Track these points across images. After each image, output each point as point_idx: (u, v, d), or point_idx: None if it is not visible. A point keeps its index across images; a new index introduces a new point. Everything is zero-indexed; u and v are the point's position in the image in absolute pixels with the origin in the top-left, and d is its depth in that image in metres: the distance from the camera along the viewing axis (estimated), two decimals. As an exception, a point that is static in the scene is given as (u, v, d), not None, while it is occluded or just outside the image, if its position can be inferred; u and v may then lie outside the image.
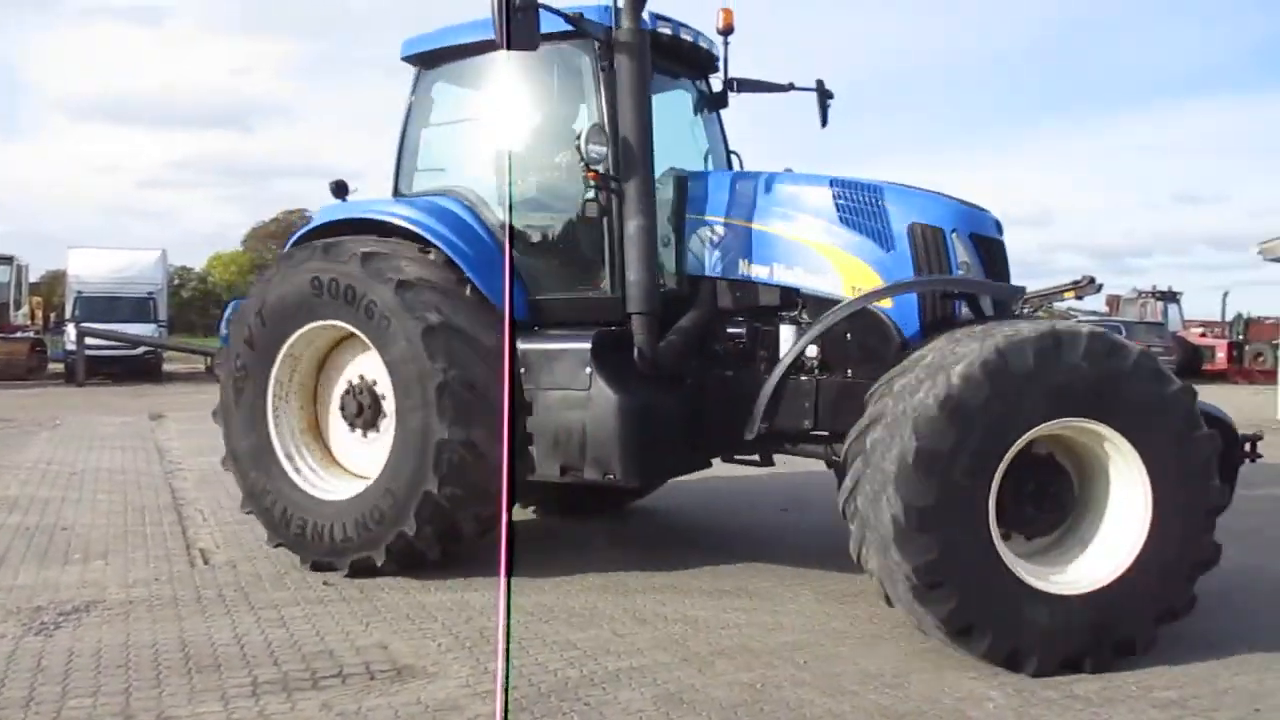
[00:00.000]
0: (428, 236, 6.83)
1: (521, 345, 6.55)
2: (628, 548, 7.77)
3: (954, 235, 6.36)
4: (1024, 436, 5.09)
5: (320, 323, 6.89)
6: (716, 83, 7.91)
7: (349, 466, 7.18)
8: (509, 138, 7.03)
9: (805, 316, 6.52)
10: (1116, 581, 5.19)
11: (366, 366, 6.97)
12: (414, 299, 6.42)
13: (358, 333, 6.73)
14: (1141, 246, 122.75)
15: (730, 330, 6.75)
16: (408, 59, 7.49)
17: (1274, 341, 33.46)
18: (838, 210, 6.50)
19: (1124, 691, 4.88)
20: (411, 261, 6.67)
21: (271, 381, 7.07)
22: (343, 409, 7.13)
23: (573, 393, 6.40)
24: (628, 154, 6.29)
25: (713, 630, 5.68)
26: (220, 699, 4.63)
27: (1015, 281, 6.70)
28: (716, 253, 6.76)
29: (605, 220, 6.57)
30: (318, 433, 7.32)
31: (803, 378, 6.33)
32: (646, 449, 6.36)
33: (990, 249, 6.62)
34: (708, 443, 6.83)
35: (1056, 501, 5.47)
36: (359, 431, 7.07)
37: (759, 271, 6.65)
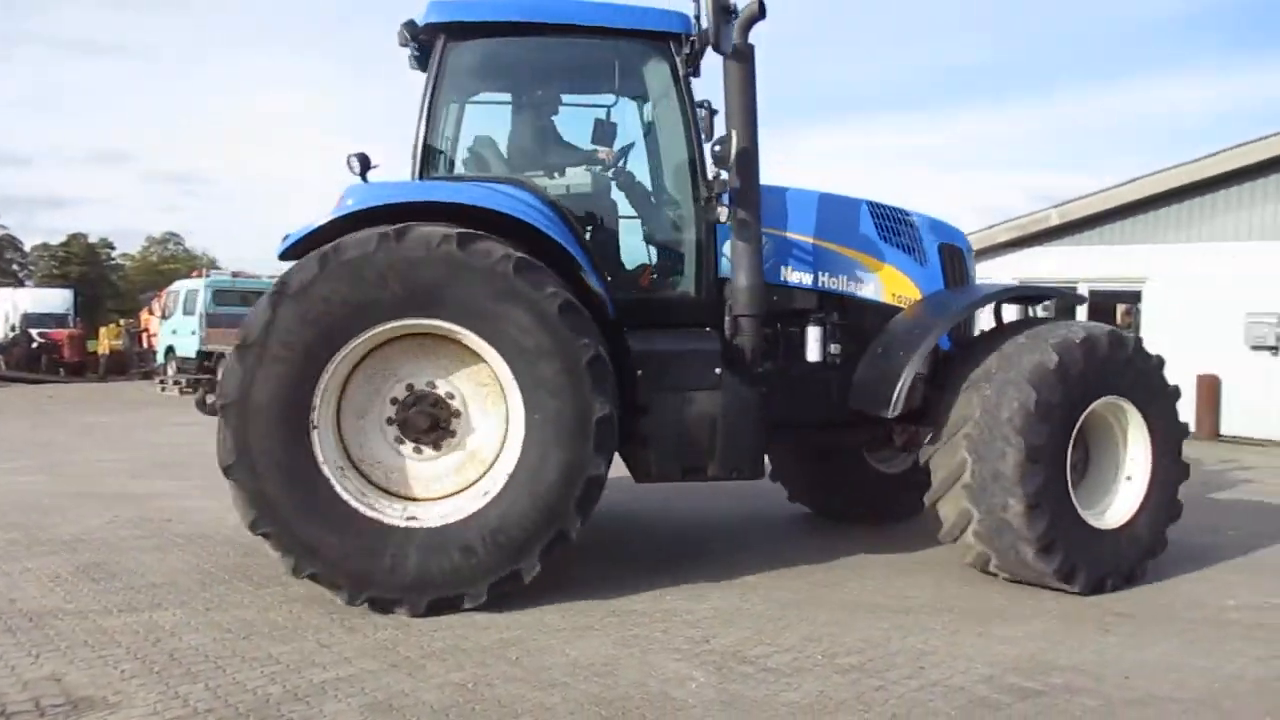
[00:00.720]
0: (546, 230, 6.15)
1: (635, 346, 6.41)
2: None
3: (968, 254, 7.97)
4: (1092, 404, 6.67)
5: (401, 322, 5.89)
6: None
7: (397, 488, 6.13)
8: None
9: (836, 318, 7.17)
10: (1128, 523, 6.85)
11: (416, 375, 6.13)
12: (538, 279, 5.87)
13: (462, 330, 5.89)
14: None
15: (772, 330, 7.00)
16: (436, 25, 6.59)
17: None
18: (878, 230, 7.50)
19: (812, 661, 5.26)
20: (507, 248, 5.91)
21: (319, 392, 5.82)
22: (402, 424, 6.11)
23: (701, 393, 6.49)
24: (740, 164, 6.44)
25: (424, 633, 5.59)
26: None
27: None
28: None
29: (695, 222, 6.80)
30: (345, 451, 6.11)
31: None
32: (766, 444, 6.83)
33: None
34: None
35: (1082, 458, 6.94)
36: (413, 448, 6.14)
37: (801, 278, 7.17)
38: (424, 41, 6.74)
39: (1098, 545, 6.64)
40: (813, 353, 7.06)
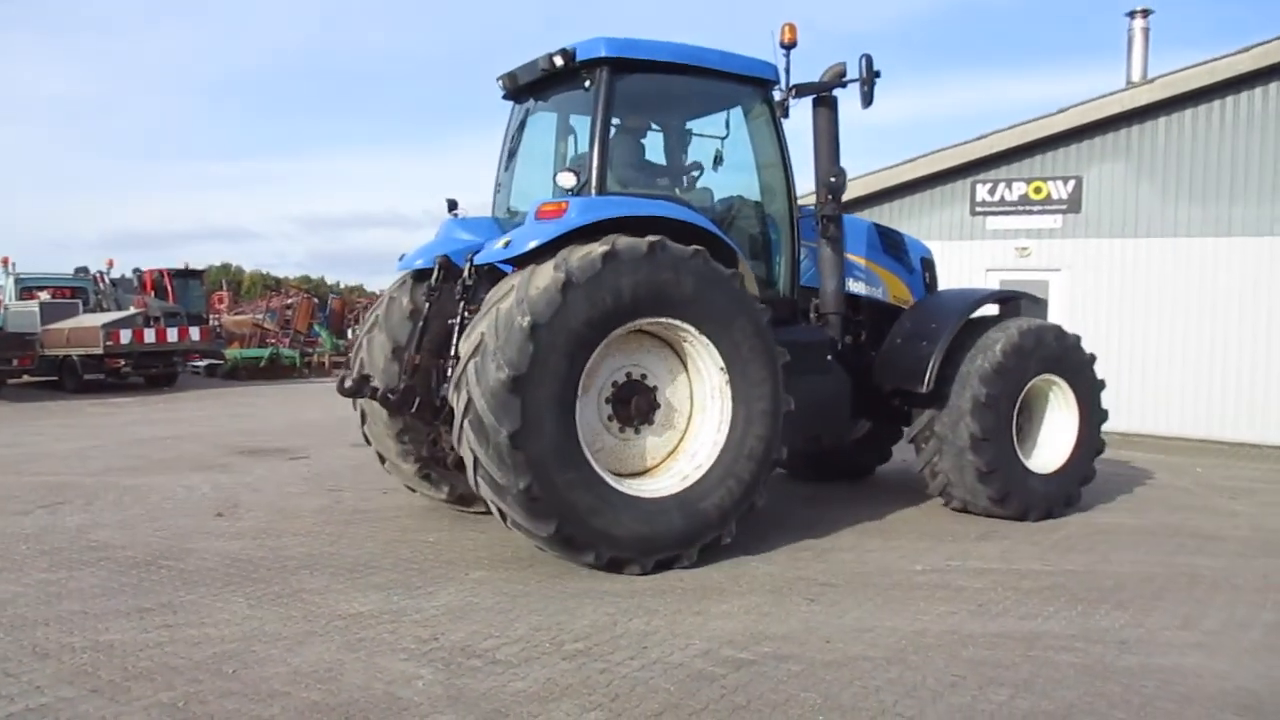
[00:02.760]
0: (733, 246, 7.50)
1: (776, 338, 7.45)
2: (24, 572, 6.83)
3: (934, 265, 10.31)
4: (1030, 383, 8.95)
5: (652, 319, 6.95)
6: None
7: (611, 464, 7.10)
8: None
9: (851, 315, 9.02)
10: (1063, 466, 9.20)
11: (627, 367, 7.20)
12: (749, 292, 7.34)
13: (687, 327, 7.02)
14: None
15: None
16: (607, 59, 7.43)
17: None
18: (881, 245, 9.66)
19: (540, 649, 5.37)
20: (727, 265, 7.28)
21: (583, 379, 6.74)
22: (617, 408, 7.17)
23: (820, 376, 8.24)
24: (830, 190, 8.67)
25: (129, 654, 5.23)
26: None
27: None
28: (804, 267, 8.65)
29: (787, 236, 8.31)
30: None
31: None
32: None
33: None
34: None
35: (1025, 422, 9.17)
36: (622, 430, 7.21)
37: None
38: (573, 70, 7.59)
39: (1031, 483, 8.87)
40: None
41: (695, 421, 7.35)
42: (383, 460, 8.64)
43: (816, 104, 8.74)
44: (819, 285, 8.83)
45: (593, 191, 7.38)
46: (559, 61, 7.62)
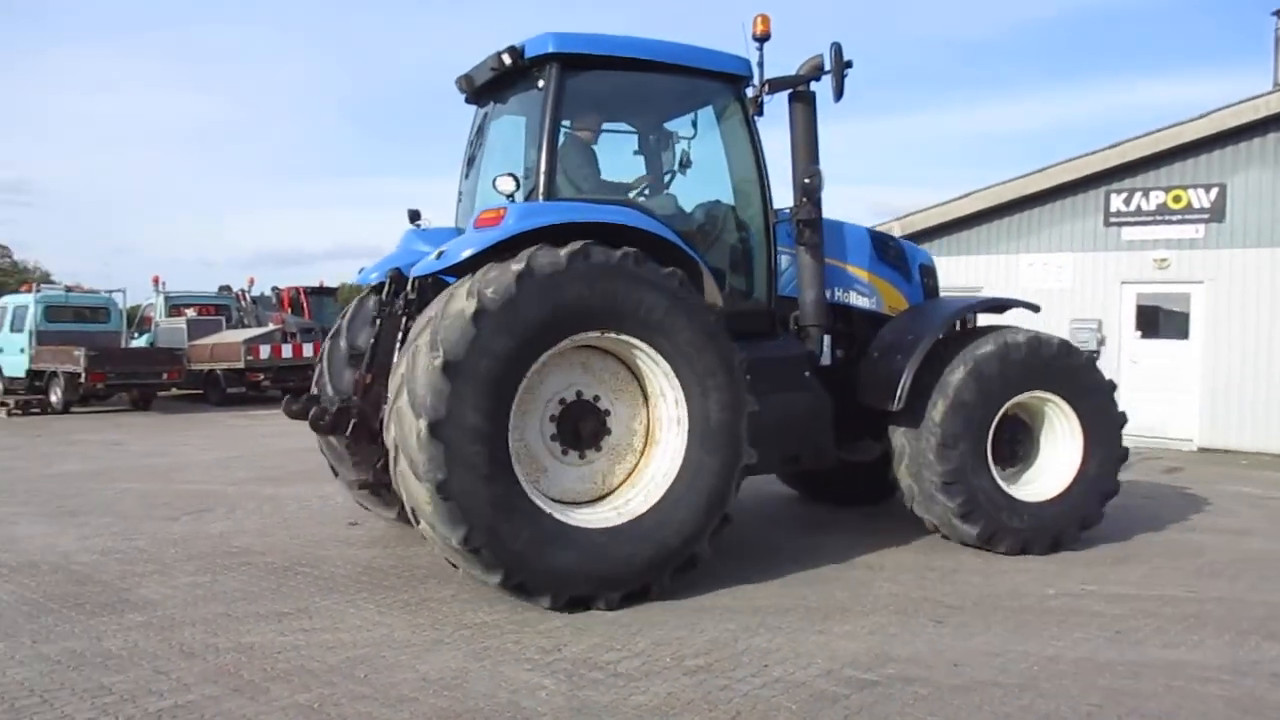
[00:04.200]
0: (687, 250, 6.96)
1: (745, 353, 6.88)
2: (173, 576, 7.22)
3: (936, 273, 9.48)
4: (1013, 399, 8.03)
5: (586, 335, 6.40)
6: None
7: (567, 495, 6.63)
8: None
9: (841, 327, 8.37)
10: (1057, 497, 8.15)
11: (568, 387, 6.64)
12: (695, 293, 6.73)
13: (627, 339, 6.46)
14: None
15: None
16: (555, 55, 6.98)
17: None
18: (875, 252, 8.85)
19: (660, 664, 5.38)
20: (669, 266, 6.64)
21: (514, 405, 6.21)
22: (563, 431, 6.61)
23: (795, 394, 7.62)
24: (805, 192, 7.88)
25: (268, 656, 5.46)
26: None
27: None
28: (786, 277, 8.06)
29: (763, 243, 7.74)
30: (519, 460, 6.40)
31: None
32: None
33: None
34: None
35: (1020, 443, 8.38)
36: (569, 454, 6.65)
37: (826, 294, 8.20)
38: (524, 68, 7.17)
39: (1010, 509, 7.94)
40: (825, 357, 8.10)
41: (653, 437, 6.80)
42: (335, 473, 8.30)
43: (792, 100, 8.07)
44: (798, 295, 8.10)
45: (540, 197, 6.91)
46: (507, 60, 7.18)
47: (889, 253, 9.06)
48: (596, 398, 6.71)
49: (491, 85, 7.75)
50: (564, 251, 6.18)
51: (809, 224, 7.91)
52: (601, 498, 6.73)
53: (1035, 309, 9.18)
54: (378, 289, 7.65)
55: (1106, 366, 16.36)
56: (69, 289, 27.34)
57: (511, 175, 6.88)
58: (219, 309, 27.47)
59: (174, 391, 24.05)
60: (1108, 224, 16.39)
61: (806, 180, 7.84)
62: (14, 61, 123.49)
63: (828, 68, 7.74)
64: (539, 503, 6.24)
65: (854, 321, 8.58)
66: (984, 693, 5.01)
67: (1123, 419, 8.43)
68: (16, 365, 24.03)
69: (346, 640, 5.73)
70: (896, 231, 18.63)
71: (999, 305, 9.43)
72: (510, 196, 6.84)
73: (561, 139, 7.22)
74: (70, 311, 24.71)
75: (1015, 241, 17.50)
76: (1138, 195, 16.10)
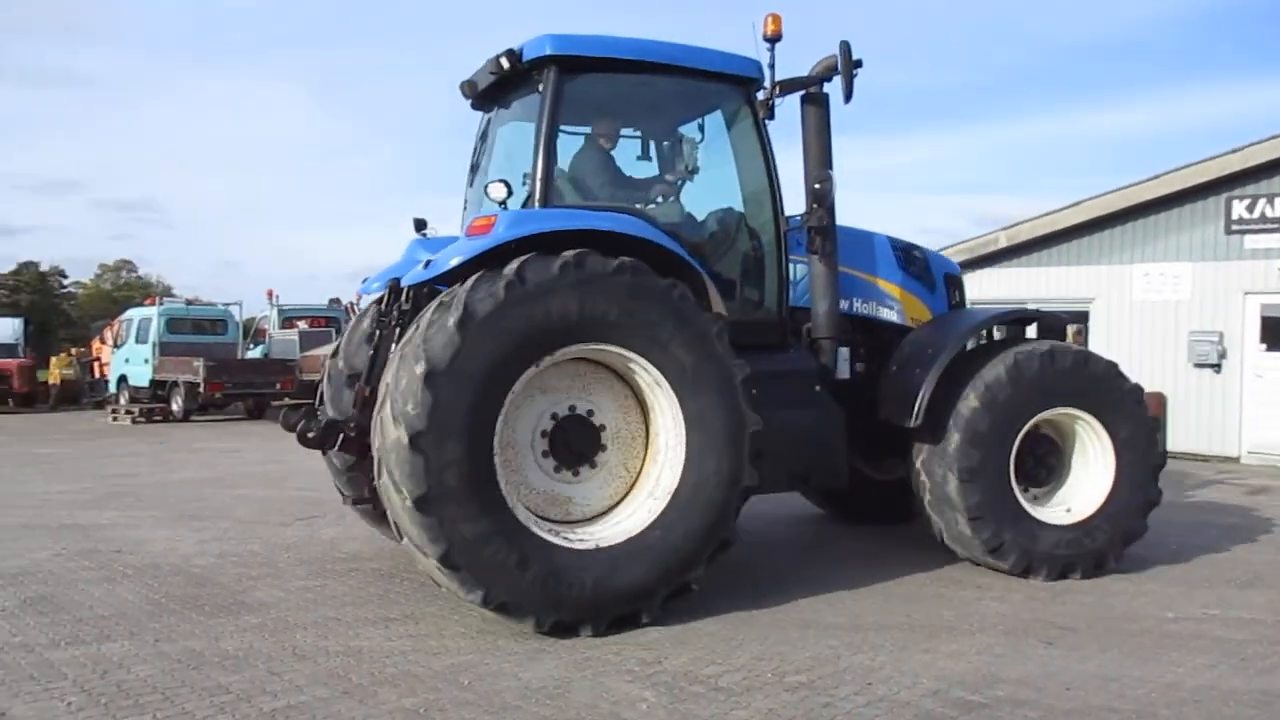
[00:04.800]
0: (687, 259, 6.66)
1: (751, 365, 6.57)
2: (286, 579, 7.45)
3: (963, 283, 9.11)
4: (1031, 420, 7.55)
5: (579, 347, 6.16)
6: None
7: (558, 513, 6.40)
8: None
9: (861, 339, 8.05)
10: (1093, 516, 7.65)
11: (563, 400, 6.42)
12: (697, 306, 6.41)
13: (633, 355, 6.22)
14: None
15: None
16: (552, 58, 6.77)
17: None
18: (898, 262, 8.52)
19: (762, 679, 5.33)
20: (669, 278, 6.38)
21: (501, 418, 5.97)
22: (555, 447, 6.39)
23: (804, 409, 7.20)
24: (816, 198, 7.48)
25: (376, 660, 5.59)
26: None
27: None
28: (801, 287, 7.79)
29: (774, 252, 7.43)
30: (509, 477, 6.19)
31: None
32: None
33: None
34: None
35: (1050, 462, 7.92)
36: (561, 471, 6.43)
37: (840, 304, 7.87)
38: (522, 72, 6.95)
39: (1039, 535, 7.50)
40: (843, 371, 7.78)
41: (650, 455, 6.52)
42: (341, 494, 7.93)
43: (804, 102, 7.70)
44: (811, 306, 7.76)
45: (536, 203, 6.69)
46: (505, 64, 6.94)
47: (912, 263, 8.74)
48: (591, 413, 6.47)
49: (494, 90, 7.47)
50: (557, 260, 5.98)
51: (821, 231, 7.55)
52: (595, 518, 6.46)
53: (1064, 321, 8.84)
54: (379, 302, 7.36)
55: (1228, 381, 15.72)
56: (189, 302, 28.58)
57: (503, 182, 6.72)
58: (329, 321, 28.32)
59: (285, 401, 24.85)
60: (1229, 232, 15.72)
61: (817, 185, 7.48)
62: (145, 87, 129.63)
63: (840, 68, 7.34)
64: (525, 521, 6.02)
65: (875, 334, 8.26)
66: (1098, 718, 4.84)
67: (1153, 424, 8.01)
68: (141, 375, 25.19)
69: (451, 647, 5.84)
70: (1002, 243, 18.22)
71: (1024, 317, 9.10)
72: (502, 204, 6.68)
73: (581, 144, 7.27)
74: (190, 324, 25.79)
75: (1128, 251, 16.92)
76: (1262, 201, 15.41)
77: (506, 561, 5.82)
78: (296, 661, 5.56)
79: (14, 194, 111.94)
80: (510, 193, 6.73)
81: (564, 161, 7.18)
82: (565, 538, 6.14)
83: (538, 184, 6.71)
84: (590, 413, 6.48)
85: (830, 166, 7.60)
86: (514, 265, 5.92)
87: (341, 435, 6.91)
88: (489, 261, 6.07)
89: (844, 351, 7.81)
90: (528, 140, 6.99)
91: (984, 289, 18.39)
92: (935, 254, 9.14)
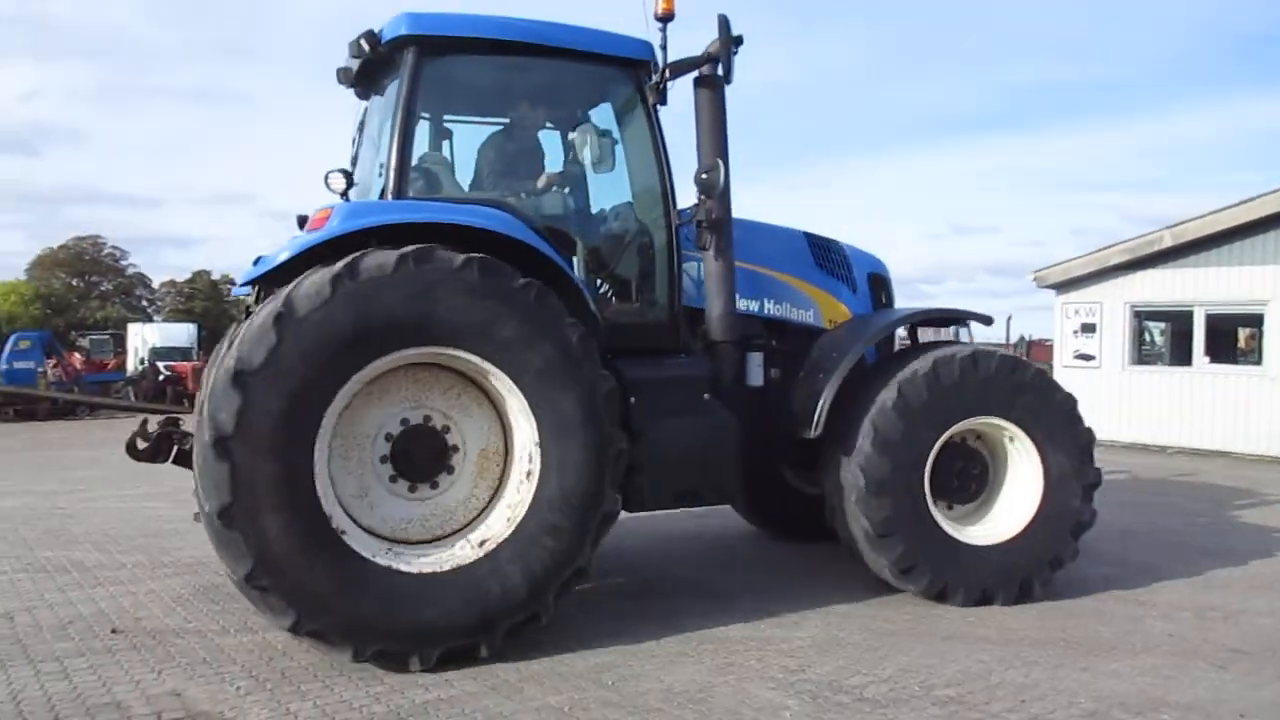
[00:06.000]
0: (553, 259, 6.02)
1: (629, 373, 6.26)
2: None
3: (890, 282, 8.44)
4: (950, 429, 6.84)
5: (417, 350, 5.55)
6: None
7: (397, 532, 5.74)
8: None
9: (776, 344, 7.40)
10: (1017, 537, 6.95)
11: (411, 408, 5.79)
12: (557, 308, 5.74)
13: (480, 361, 5.58)
14: (932, 274, 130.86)
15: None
16: (409, 38, 6.31)
17: (1051, 361, 36.10)
18: (815, 259, 7.90)
19: (908, 692, 5.20)
20: (525, 276, 5.73)
21: (324, 426, 5.37)
22: (398, 462, 5.74)
23: (690, 420, 6.52)
24: (719, 193, 6.69)
25: (522, 656, 5.69)
26: (-9, 760, 4.34)
27: None
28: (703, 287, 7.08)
29: (665, 249, 6.83)
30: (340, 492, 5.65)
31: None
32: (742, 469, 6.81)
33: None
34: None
35: (974, 477, 7.20)
36: (409, 488, 5.79)
37: (748, 305, 7.33)
38: (383, 54, 6.50)
39: (955, 556, 6.82)
40: (756, 378, 7.20)
41: (507, 472, 5.89)
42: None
43: (696, 85, 6.89)
44: (705, 308, 6.99)
45: (389, 195, 6.22)
46: (365, 46, 6.48)
47: (831, 261, 8.04)
48: (446, 428, 5.86)
49: (366, 75, 6.88)
50: (393, 256, 5.41)
51: (713, 227, 6.76)
52: (445, 538, 5.82)
53: (988, 321, 8.10)
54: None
55: None
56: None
57: (342, 171, 6.43)
58: None
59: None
60: None
61: (704, 175, 6.67)
62: (304, 105, 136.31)
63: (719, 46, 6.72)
64: (353, 540, 5.44)
65: (788, 337, 7.54)
66: (1277, 749, 4.54)
67: (1088, 437, 7.13)
68: None
69: (596, 647, 5.90)
70: (1167, 241, 17.30)
71: (944, 317, 8.33)
72: (344, 195, 6.37)
73: (428, 130, 6.81)
74: None
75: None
76: None
77: (323, 584, 5.25)
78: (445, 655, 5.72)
79: (189, 207, 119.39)
80: (350, 183, 6.50)
81: (455, 151, 6.98)
82: (403, 559, 5.56)
83: (391, 174, 6.24)
84: (445, 428, 5.86)
85: (725, 155, 6.78)
86: (346, 260, 5.36)
87: (176, 447, 6.50)
88: (331, 258, 5.48)
89: (756, 357, 7.20)
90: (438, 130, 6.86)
91: (1146, 291, 17.53)
92: (859, 251, 8.34)
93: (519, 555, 5.64)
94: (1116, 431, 17.54)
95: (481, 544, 5.69)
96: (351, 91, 7.22)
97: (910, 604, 6.84)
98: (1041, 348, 39.59)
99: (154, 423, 6.84)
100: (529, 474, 5.75)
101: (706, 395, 6.65)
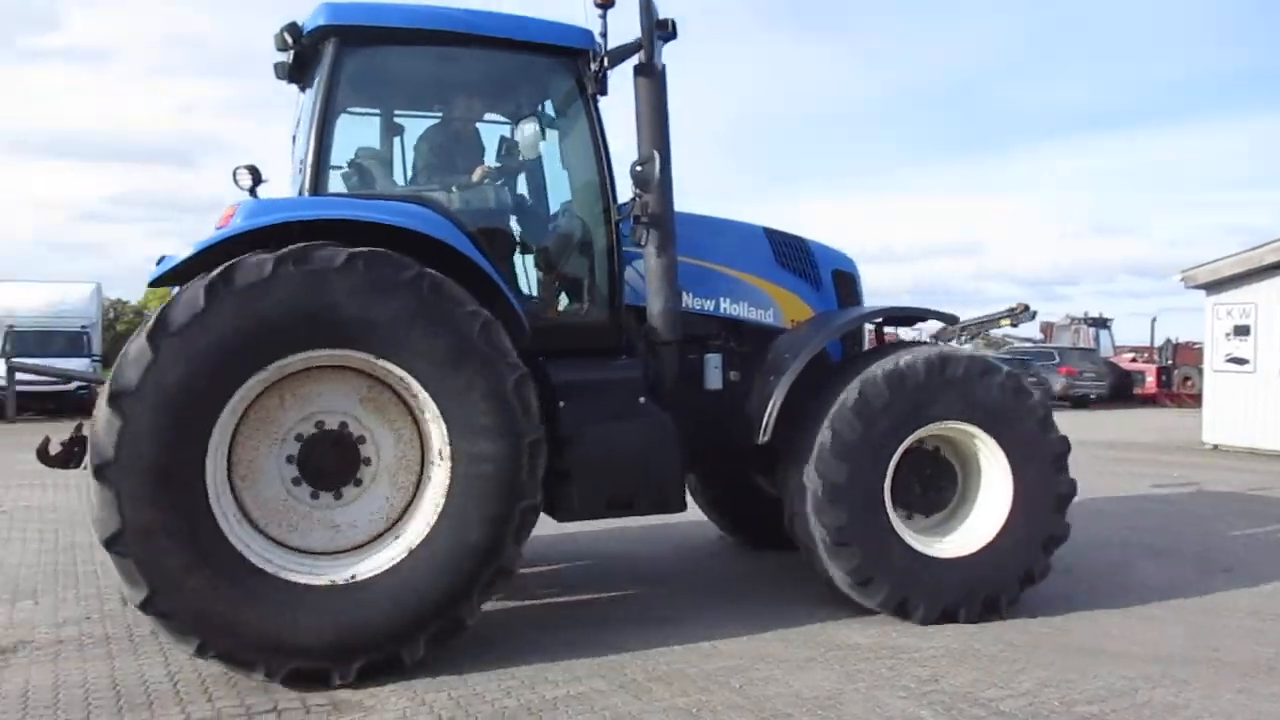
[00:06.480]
0: (461, 249, 5.78)
1: (555, 375, 6.12)
2: (560, 576, 7.80)
3: (858, 280, 7.97)
4: (913, 434, 6.44)
5: (303, 355, 5.31)
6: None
7: (305, 543, 5.50)
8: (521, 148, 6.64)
9: (734, 345, 7.05)
10: (984, 550, 6.51)
11: (318, 413, 5.54)
12: (456, 297, 5.47)
13: (374, 360, 5.38)
14: (1068, 275, 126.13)
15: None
16: (327, 29, 6.15)
17: (1200, 365, 34.43)
18: (775, 256, 7.47)
19: (1048, 707, 5.02)
20: (420, 266, 5.47)
21: (212, 442, 5.17)
22: (305, 469, 5.50)
23: (624, 423, 6.26)
24: (657, 187, 6.32)
25: (649, 657, 5.73)
26: (152, 737, 4.60)
27: (949, 309, 7.20)
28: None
29: (605, 246, 6.58)
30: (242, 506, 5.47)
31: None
32: (685, 476, 6.60)
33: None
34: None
35: (942, 486, 6.81)
36: (317, 495, 5.53)
37: (703, 304, 7.02)
38: (307, 46, 6.32)
39: (917, 570, 6.40)
40: (713, 380, 6.93)
41: (425, 475, 5.65)
42: None
43: (635, 73, 6.50)
44: (649, 305, 6.59)
45: (306, 191, 6.01)
46: (288, 39, 6.23)
47: (791, 257, 7.60)
48: (361, 438, 5.61)
49: (300, 68, 6.58)
50: (271, 258, 5.14)
51: (651, 221, 6.38)
52: (363, 546, 5.57)
53: (952, 320, 7.76)
54: None
55: None
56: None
57: (249, 167, 6.26)
58: None
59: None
60: None
61: (639, 168, 6.28)
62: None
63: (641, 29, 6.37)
64: (254, 558, 5.21)
65: (747, 338, 7.17)
66: None
67: (1061, 446, 6.64)
68: None
69: (722, 650, 5.89)
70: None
71: (906, 315, 7.95)
72: (252, 191, 6.17)
73: (352, 125, 6.60)
74: None
75: None
76: None
77: (225, 604, 5.05)
78: (575, 653, 5.79)
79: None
80: (257, 180, 6.31)
81: (368, 144, 6.80)
82: (313, 572, 5.35)
83: (307, 170, 6.05)
84: (360, 438, 5.61)
85: (664, 146, 6.41)
86: (221, 267, 5.12)
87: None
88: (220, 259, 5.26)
89: (714, 358, 6.96)
90: (352, 123, 6.65)
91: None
92: (823, 247, 7.89)
93: (435, 559, 5.41)
94: (1274, 440, 16.58)
95: (397, 550, 5.46)
96: (295, 87, 6.92)
97: (1044, 614, 6.60)
98: (1189, 351, 37.78)
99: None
100: (442, 473, 5.51)
101: (642, 398, 6.36)
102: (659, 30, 6.35)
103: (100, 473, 4.90)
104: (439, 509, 5.47)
